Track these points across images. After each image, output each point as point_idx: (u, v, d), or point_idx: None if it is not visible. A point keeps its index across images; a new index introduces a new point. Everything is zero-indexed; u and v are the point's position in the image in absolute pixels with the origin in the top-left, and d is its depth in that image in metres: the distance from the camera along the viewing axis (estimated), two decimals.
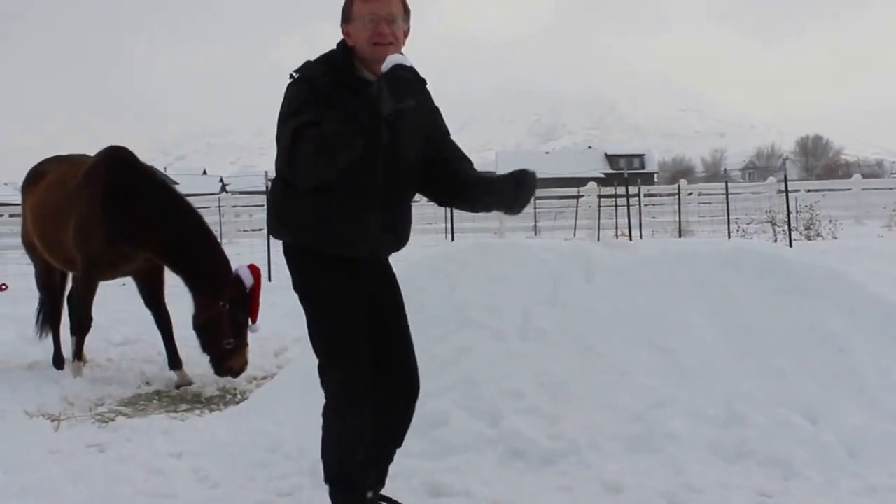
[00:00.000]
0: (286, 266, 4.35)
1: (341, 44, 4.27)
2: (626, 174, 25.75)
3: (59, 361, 9.02)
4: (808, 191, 32.49)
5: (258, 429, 5.91)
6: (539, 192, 33.30)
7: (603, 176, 73.57)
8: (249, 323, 8.09)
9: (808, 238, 23.44)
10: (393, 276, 4.61)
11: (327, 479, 4.32)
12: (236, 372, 7.97)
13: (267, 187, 26.42)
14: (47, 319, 9.33)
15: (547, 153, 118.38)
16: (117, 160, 8.63)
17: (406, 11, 4.25)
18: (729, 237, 21.30)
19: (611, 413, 5.50)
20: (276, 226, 4.30)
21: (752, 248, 6.76)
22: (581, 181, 41.21)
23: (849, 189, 34.42)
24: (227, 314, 7.93)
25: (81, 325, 8.62)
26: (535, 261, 6.57)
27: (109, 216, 8.24)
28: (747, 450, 5.20)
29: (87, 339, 9.02)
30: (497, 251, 6.74)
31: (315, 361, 5.24)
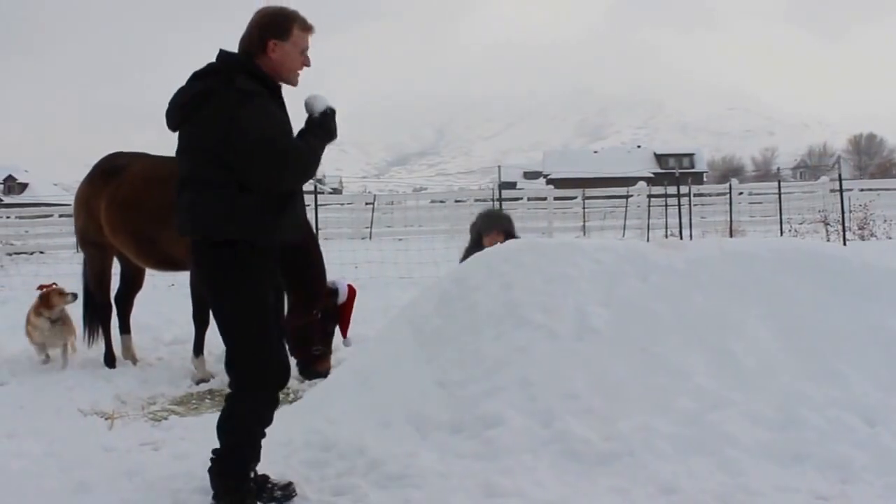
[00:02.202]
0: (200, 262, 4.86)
1: (247, 55, 4.80)
2: (676, 174, 25.58)
3: (110, 360, 9.08)
4: (862, 190, 32.11)
5: (312, 428, 5.90)
6: (588, 191, 33.34)
7: (652, 175, 73.30)
8: (340, 336, 8.43)
9: (862, 238, 23.17)
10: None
11: (224, 452, 4.92)
12: (322, 374, 8.05)
13: (316, 188, 26.59)
14: (97, 319, 9.38)
15: (595, 153, 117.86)
16: None
17: None
18: (782, 237, 21.09)
19: (666, 414, 5.44)
20: (215, 222, 4.70)
21: (811, 249, 6.67)
22: (630, 181, 41.07)
23: None
24: (318, 323, 8.17)
25: (202, 321, 8.69)
26: (590, 261, 6.52)
27: None
28: (804, 452, 5.13)
29: (137, 339, 9.19)
30: (551, 251, 6.70)
31: (368, 361, 5.28)
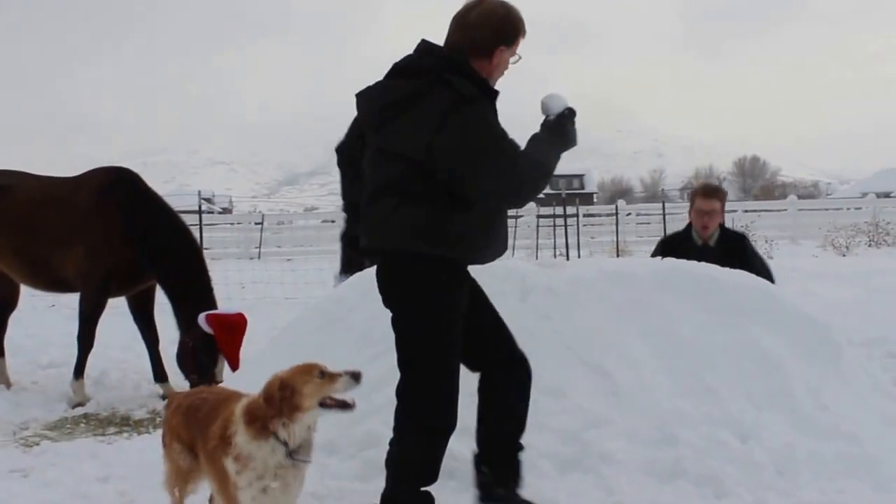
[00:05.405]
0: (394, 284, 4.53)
1: (461, 52, 4.42)
2: (563, 194, 25.87)
3: None
4: (745, 211, 32.95)
5: None
6: None
7: (542, 196, 74.03)
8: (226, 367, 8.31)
9: None
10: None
11: (410, 482, 4.62)
12: None
13: (200, 207, 26.27)
14: None
15: None
16: (131, 182, 8.71)
17: None
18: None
19: (545, 433, 5.45)
20: (421, 237, 4.35)
21: (688, 268, 6.76)
22: None
23: (785, 210, 35.07)
24: (190, 351, 8.17)
25: (88, 342, 8.50)
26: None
27: (133, 237, 8.37)
28: (680, 469, 5.21)
29: (12, 361, 8.98)
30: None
31: (246, 383, 5.16)
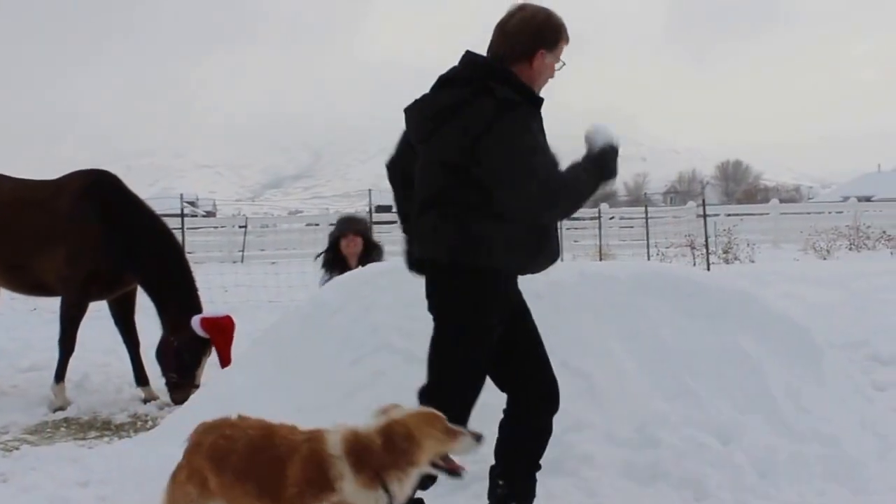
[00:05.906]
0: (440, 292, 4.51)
1: (501, 60, 4.41)
2: None
3: None
4: (728, 215, 33.01)
5: (168, 455, 5.71)
6: None
7: None
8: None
9: (726, 261, 23.76)
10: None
11: None
12: (175, 403, 8.01)
13: (182, 210, 26.15)
14: None
15: None
16: (111, 185, 8.72)
17: None
18: (648, 261, 21.50)
19: None
20: (467, 248, 4.31)
21: (668, 272, 6.78)
22: None
23: (767, 213, 35.18)
24: (173, 350, 8.17)
25: (69, 346, 8.47)
26: None
27: (114, 240, 8.34)
28: (660, 471, 5.22)
29: None
30: (412, 275, 6.68)
31: (228, 386, 5.14)
